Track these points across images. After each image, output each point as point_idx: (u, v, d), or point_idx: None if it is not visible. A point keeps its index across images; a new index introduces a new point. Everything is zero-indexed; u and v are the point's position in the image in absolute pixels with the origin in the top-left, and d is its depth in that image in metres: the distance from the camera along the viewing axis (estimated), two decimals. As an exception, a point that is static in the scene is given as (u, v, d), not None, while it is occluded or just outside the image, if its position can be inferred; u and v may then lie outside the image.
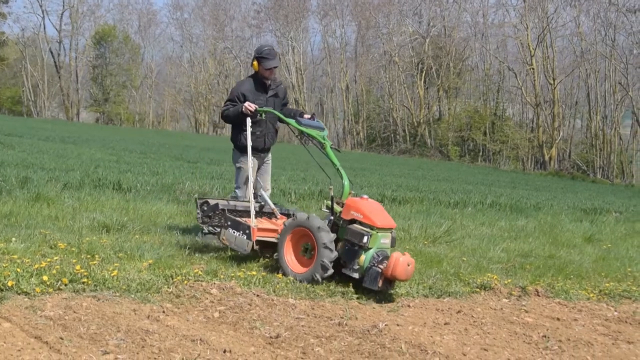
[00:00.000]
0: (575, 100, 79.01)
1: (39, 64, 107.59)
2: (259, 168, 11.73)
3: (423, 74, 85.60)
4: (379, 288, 9.07)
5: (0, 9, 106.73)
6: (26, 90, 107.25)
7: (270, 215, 11.11)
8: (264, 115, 11.02)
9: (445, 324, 8.52)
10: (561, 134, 74.90)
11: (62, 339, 6.54)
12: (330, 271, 9.36)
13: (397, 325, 8.20)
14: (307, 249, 9.72)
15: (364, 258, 9.23)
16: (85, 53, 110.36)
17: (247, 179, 11.23)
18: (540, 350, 7.78)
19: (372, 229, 9.27)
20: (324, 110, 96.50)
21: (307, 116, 10.95)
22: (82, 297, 7.95)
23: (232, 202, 11.06)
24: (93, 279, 8.43)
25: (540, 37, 75.01)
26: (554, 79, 73.79)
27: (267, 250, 10.50)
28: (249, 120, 10.78)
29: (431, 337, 7.88)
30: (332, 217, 9.80)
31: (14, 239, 9.96)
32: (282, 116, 10.83)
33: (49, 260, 8.95)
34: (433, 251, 12.65)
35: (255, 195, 11.12)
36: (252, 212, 10.40)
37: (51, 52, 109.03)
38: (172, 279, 8.96)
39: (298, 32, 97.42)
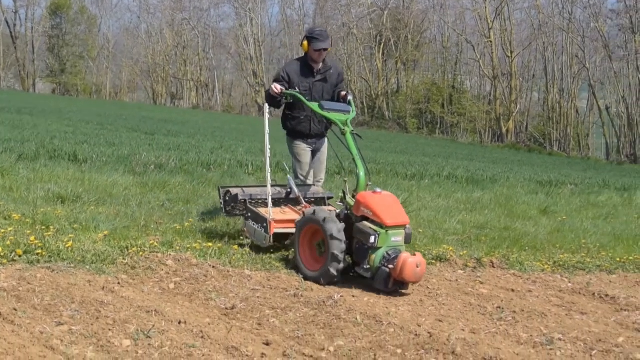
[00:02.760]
0: (533, 73, 79.36)
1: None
2: (313, 156, 11.18)
3: (381, 46, 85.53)
4: (389, 289, 8.61)
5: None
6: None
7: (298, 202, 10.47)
8: (289, 98, 10.42)
9: (400, 295, 8.57)
10: (518, 106, 75.23)
11: (15, 310, 6.51)
12: (344, 264, 8.81)
13: (353, 296, 8.24)
14: (320, 245, 9.12)
15: (374, 257, 8.67)
16: (42, 23, 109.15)
17: (301, 166, 10.99)
18: (495, 321, 7.84)
19: (381, 228, 8.71)
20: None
21: (343, 93, 10.58)
22: (36, 268, 7.91)
23: (249, 191, 10.53)
24: (47, 250, 8.39)
25: (499, 10, 75.18)
26: (511, 52, 74.12)
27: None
28: (266, 107, 10.34)
29: (386, 308, 7.93)
30: (346, 211, 9.23)
31: (-33, 210, 9.89)
32: (304, 100, 10.19)
33: (2, 231, 8.90)
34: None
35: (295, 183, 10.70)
36: (269, 203, 9.91)
37: (7, 23, 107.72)
38: (128, 250, 8.93)
39: (256, 3, 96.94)
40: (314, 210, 9.19)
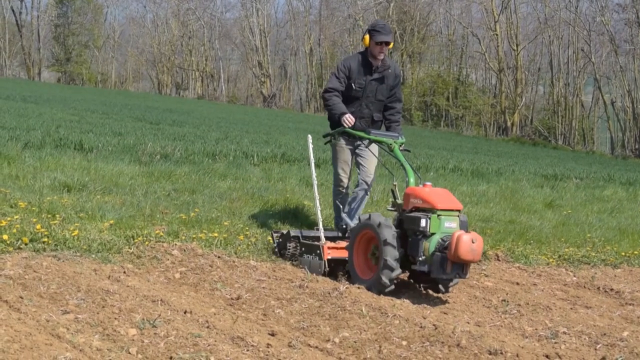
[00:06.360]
0: (538, 67, 79.23)
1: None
2: (356, 155, 10.74)
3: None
4: (446, 275, 8.18)
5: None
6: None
7: None
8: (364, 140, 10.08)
9: (405, 287, 8.58)
10: (523, 100, 75.07)
11: (22, 298, 6.53)
12: (397, 272, 8.36)
13: (358, 288, 8.24)
14: (374, 253, 8.75)
15: (428, 246, 8.23)
16: (48, 12, 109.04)
17: (339, 164, 10.59)
18: (500, 314, 7.86)
19: (433, 212, 8.31)
20: (287, 74, 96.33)
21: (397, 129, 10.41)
22: (42, 256, 7.94)
23: (302, 231, 10.02)
24: (53, 239, 8.42)
25: (505, 3, 75.04)
26: (517, 45, 73.90)
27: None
28: (309, 138, 10.19)
29: (391, 300, 7.94)
30: (399, 217, 8.84)
31: (-27, 197, 9.89)
32: (355, 133, 9.93)
33: (9, 219, 8.91)
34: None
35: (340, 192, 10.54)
36: (320, 226, 9.57)
37: (13, 11, 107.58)
38: (133, 239, 8.96)
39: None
40: (369, 215, 8.86)
